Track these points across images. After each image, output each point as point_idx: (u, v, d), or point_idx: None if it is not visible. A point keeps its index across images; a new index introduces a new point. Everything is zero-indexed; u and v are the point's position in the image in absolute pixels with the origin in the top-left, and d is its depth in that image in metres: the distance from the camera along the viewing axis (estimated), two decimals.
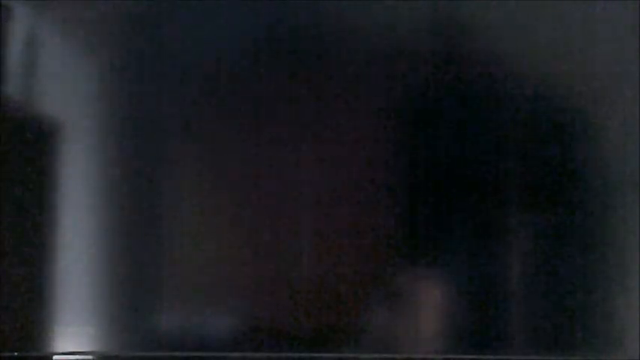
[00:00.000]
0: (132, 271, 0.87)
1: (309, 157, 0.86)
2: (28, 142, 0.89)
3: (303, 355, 0.83)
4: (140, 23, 0.90)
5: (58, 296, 0.87)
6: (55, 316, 0.87)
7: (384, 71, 0.86)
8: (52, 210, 0.88)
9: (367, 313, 0.84)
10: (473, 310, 0.83)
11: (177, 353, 0.85)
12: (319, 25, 0.87)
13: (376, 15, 0.87)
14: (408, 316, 0.84)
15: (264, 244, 0.85)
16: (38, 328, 0.86)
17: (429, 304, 0.84)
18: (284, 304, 0.84)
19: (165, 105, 0.88)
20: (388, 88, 0.86)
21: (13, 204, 0.88)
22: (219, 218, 0.87)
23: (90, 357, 0.87)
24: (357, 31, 0.87)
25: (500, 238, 0.84)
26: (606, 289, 0.83)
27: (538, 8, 0.86)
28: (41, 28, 0.91)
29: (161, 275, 0.87)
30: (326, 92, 0.87)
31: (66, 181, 0.88)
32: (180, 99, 0.88)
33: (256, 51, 0.87)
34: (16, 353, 0.85)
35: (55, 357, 0.86)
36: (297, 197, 0.86)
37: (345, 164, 0.86)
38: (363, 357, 0.83)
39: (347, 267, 0.84)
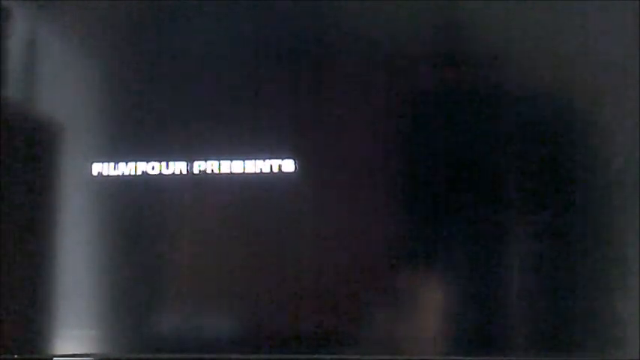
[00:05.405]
0: (132, 274, 0.87)
1: (309, 157, 0.86)
2: (29, 143, 0.89)
3: (303, 357, 0.83)
4: (139, 27, 0.90)
5: (59, 299, 0.87)
6: (56, 319, 0.87)
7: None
8: (52, 212, 0.88)
9: (368, 315, 0.84)
10: (473, 311, 0.83)
11: (177, 355, 0.85)
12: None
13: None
14: (409, 317, 0.84)
15: (264, 245, 0.85)
16: (38, 331, 0.87)
17: (430, 305, 0.84)
18: (284, 306, 0.84)
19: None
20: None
21: (13, 205, 0.88)
22: (220, 220, 0.87)
23: (89, 359, 0.87)
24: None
25: (501, 239, 0.84)
26: (606, 290, 0.82)
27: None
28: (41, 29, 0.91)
29: (162, 278, 0.87)
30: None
31: (66, 183, 0.88)
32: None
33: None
34: (16, 356, 0.85)
35: (54, 359, 0.87)
36: (297, 198, 0.86)
37: (345, 165, 0.86)
38: (364, 359, 0.83)
39: (347, 269, 0.84)
